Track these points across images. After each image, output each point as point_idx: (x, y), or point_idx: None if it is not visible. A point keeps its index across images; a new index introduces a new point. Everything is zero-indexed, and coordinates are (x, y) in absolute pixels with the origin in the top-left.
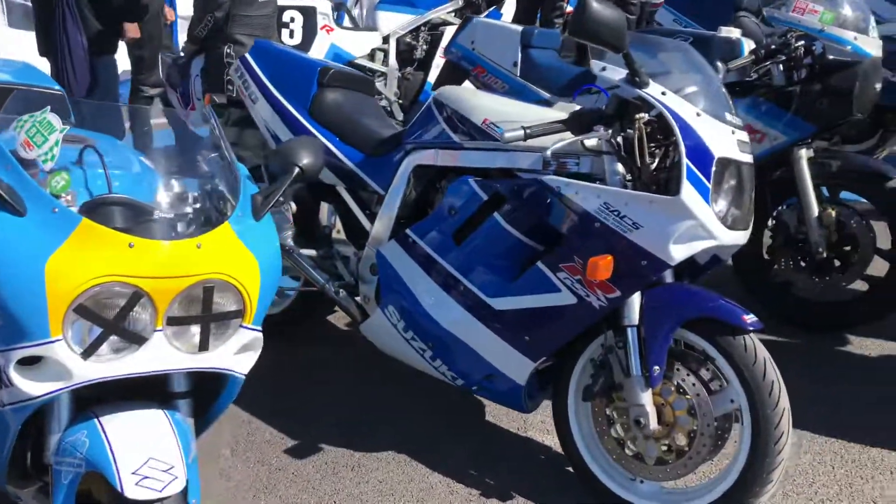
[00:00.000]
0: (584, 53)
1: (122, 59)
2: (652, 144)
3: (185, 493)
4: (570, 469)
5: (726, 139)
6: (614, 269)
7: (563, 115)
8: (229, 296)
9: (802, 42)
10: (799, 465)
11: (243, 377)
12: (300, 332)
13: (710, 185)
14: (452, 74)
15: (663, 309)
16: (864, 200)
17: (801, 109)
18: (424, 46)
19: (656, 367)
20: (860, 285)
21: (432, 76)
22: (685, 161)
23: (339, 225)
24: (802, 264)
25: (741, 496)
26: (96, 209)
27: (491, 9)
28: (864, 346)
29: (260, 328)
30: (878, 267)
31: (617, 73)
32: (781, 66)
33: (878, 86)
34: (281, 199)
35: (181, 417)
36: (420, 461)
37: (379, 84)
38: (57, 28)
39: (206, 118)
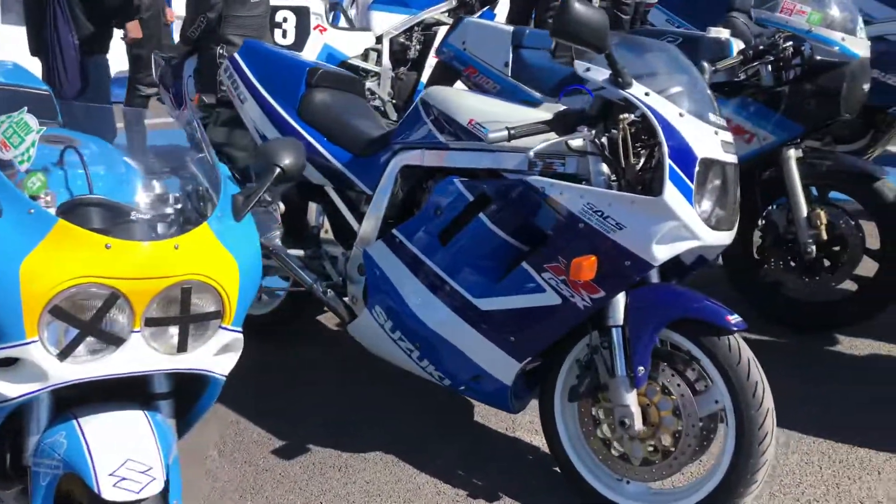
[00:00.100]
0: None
1: (118, 59)
2: (637, 145)
3: (165, 494)
4: (558, 469)
5: (709, 139)
6: (598, 270)
7: (548, 116)
8: (208, 297)
9: (791, 43)
10: (786, 465)
11: (224, 378)
12: (289, 332)
13: (692, 186)
14: (444, 74)
15: (648, 309)
16: (854, 200)
17: (789, 110)
18: (418, 46)
19: (641, 368)
20: (849, 285)
21: (426, 76)
22: (668, 161)
23: (327, 225)
24: (792, 264)
25: (726, 496)
26: (74, 210)
27: (484, 9)
28: (854, 346)
29: (240, 329)
30: (868, 267)
31: (601, 74)
32: (770, 67)
33: (866, 86)
34: (268, 199)
35: (162, 418)
36: (408, 462)
37: (372, 84)
38: (48, 28)
39: (189, 119)
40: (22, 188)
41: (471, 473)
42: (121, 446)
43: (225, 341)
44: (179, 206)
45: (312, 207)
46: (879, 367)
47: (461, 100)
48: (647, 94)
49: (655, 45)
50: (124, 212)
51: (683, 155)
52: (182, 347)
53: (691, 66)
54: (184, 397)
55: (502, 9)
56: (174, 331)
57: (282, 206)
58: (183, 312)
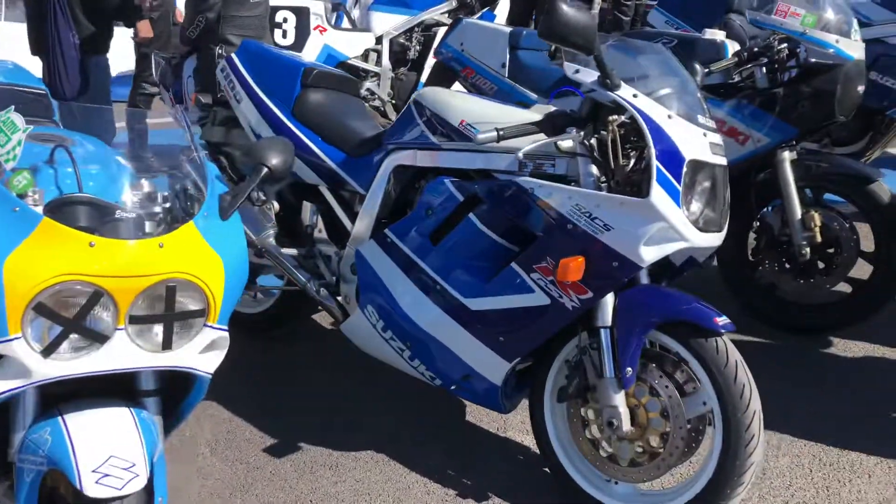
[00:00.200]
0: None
1: (122, 59)
2: (627, 146)
3: (150, 490)
4: (547, 470)
5: (698, 141)
6: (586, 271)
7: (539, 117)
8: (193, 295)
9: (785, 45)
10: (777, 468)
11: (209, 376)
12: (284, 330)
13: (680, 188)
14: (442, 75)
15: (636, 311)
16: (848, 203)
17: (784, 112)
18: (418, 47)
19: (629, 369)
20: (844, 287)
21: (425, 76)
22: (655, 163)
23: (321, 224)
24: (787, 266)
25: (713, 498)
26: (60, 208)
27: (484, 10)
28: (847, 348)
29: (226, 327)
30: (863, 269)
31: (590, 76)
32: (764, 69)
33: (861, 88)
34: (263, 198)
35: (147, 416)
36: (398, 461)
37: (372, 84)
38: (48, 27)
39: (177, 118)
40: (8, 186)
41: (461, 473)
42: (104, 443)
43: (210, 339)
44: (168, 205)
45: (307, 207)
46: (873, 370)
47: (453, 101)
48: (635, 95)
49: (646, 48)
50: (111, 210)
51: (671, 157)
52: (167, 345)
53: (682, 68)
54: (171, 395)
55: (502, 10)
56: (159, 329)
57: (276, 206)
58: (167, 310)
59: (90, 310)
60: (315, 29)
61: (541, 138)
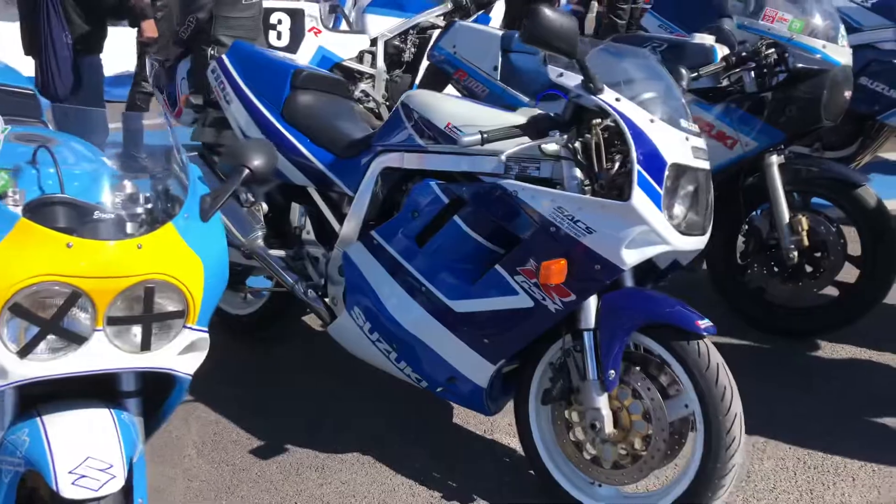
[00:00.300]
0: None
1: (117, 58)
2: (612, 150)
3: (129, 492)
4: (532, 472)
5: (680, 145)
6: (569, 273)
7: (524, 120)
8: (171, 296)
9: (773, 50)
10: (761, 471)
11: (189, 377)
12: (273, 332)
13: (661, 191)
14: (435, 78)
15: (619, 313)
16: (836, 207)
17: (772, 116)
18: (412, 49)
19: (612, 372)
20: (831, 291)
21: (420, 79)
22: (636, 167)
23: (309, 226)
24: (775, 270)
25: (695, 501)
26: (40, 209)
27: (480, 13)
28: (834, 351)
29: (206, 329)
30: (850, 273)
31: (573, 80)
32: (753, 74)
33: (848, 94)
34: (252, 199)
35: (128, 417)
36: (384, 463)
37: (367, 86)
38: (42, 27)
39: (160, 116)
40: None
41: (446, 475)
42: (82, 444)
43: (189, 340)
44: (150, 206)
45: (295, 208)
46: (859, 373)
47: (440, 103)
48: (617, 99)
49: (631, 52)
50: (91, 211)
51: (653, 160)
52: (145, 346)
53: (666, 73)
54: (153, 397)
55: (498, 13)
56: (137, 330)
57: (265, 207)
58: (146, 311)
59: (67, 310)
60: (310, 31)
61: (525, 141)
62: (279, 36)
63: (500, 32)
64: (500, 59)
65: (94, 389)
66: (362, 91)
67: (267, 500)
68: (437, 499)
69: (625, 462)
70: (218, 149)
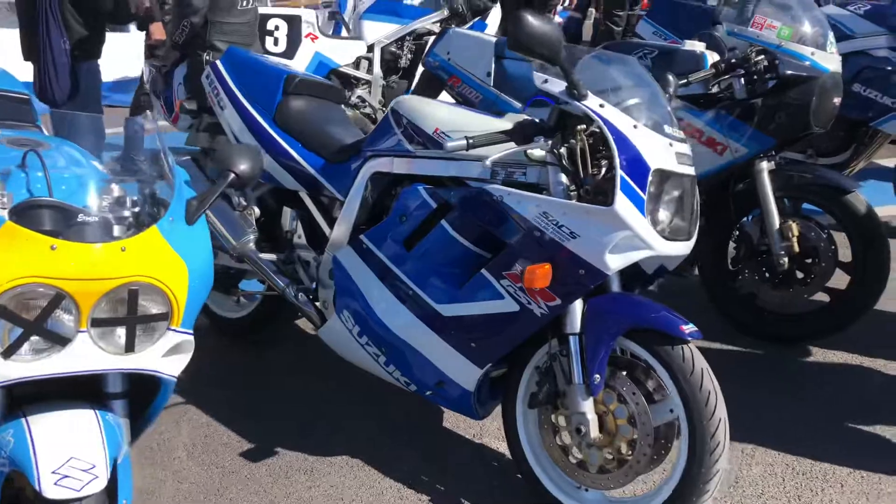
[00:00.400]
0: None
1: (118, 63)
2: (598, 155)
3: (112, 492)
4: (520, 476)
5: (664, 151)
6: (554, 278)
7: (510, 126)
8: (155, 298)
9: (763, 56)
10: (749, 477)
11: (174, 379)
12: (266, 335)
13: (644, 197)
14: (430, 84)
15: (604, 318)
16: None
17: (762, 123)
18: (409, 55)
19: (597, 376)
20: (822, 297)
21: (415, 85)
22: (619, 172)
23: (300, 230)
24: (766, 276)
25: None
26: (26, 212)
27: (476, 20)
28: (825, 357)
29: (190, 331)
30: (841, 279)
31: (557, 86)
32: (743, 80)
33: (837, 100)
34: (244, 203)
35: (113, 418)
36: (373, 466)
37: (363, 92)
38: (40, 32)
39: (150, 122)
40: None
41: (434, 479)
42: (65, 444)
43: (174, 343)
44: (137, 209)
45: (287, 212)
46: (849, 379)
47: (429, 109)
48: (601, 105)
49: (618, 59)
50: (77, 214)
51: (636, 166)
52: (129, 348)
53: (651, 79)
54: (139, 399)
55: (493, 19)
56: (122, 331)
57: (257, 211)
58: (130, 313)
59: (51, 312)
60: (306, 37)
61: (510, 147)
62: (276, 42)
63: (494, 39)
64: (493, 65)
65: (81, 391)
66: (359, 97)
67: (256, 502)
68: (426, 502)
69: (610, 466)
70: (210, 153)
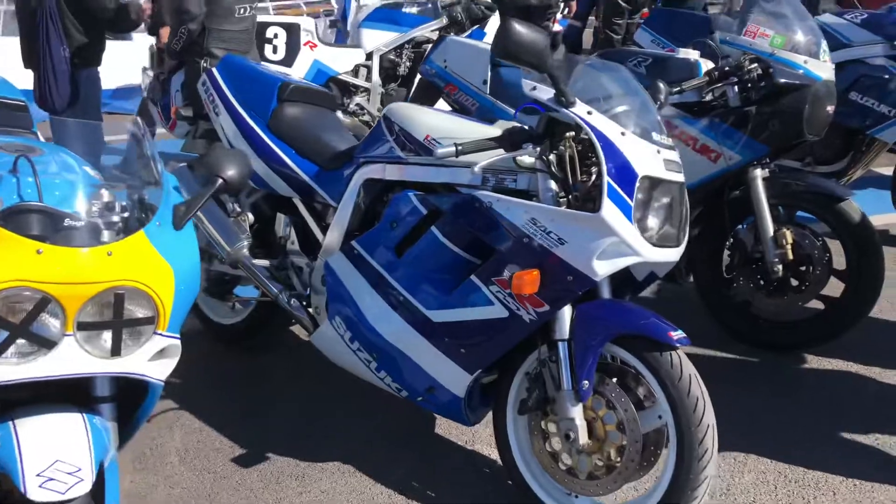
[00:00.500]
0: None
1: (119, 71)
2: (587, 162)
3: (99, 496)
4: (511, 482)
5: (652, 158)
6: (542, 284)
7: (500, 133)
8: (141, 302)
9: (756, 64)
10: (741, 484)
11: (161, 383)
12: (260, 340)
13: (632, 203)
14: (427, 92)
15: (592, 324)
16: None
17: (755, 130)
18: (408, 63)
19: (585, 382)
20: (817, 305)
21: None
22: (606, 179)
23: (294, 236)
24: (761, 283)
25: None
26: (14, 216)
27: (474, 28)
28: (819, 365)
29: (177, 335)
30: (837, 287)
31: (546, 93)
32: (736, 88)
33: (830, 108)
34: (238, 209)
35: (100, 421)
36: (365, 472)
37: (362, 99)
38: (40, 40)
39: (138, 129)
40: None
41: (426, 485)
42: (51, 447)
43: (160, 346)
44: (126, 214)
45: (280, 218)
46: (843, 388)
47: (420, 116)
48: (589, 112)
49: (608, 68)
50: (65, 219)
51: (623, 172)
52: (116, 351)
53: (641, 87)
54: (129, 403)
55: (492, 28)
56: (108, 335)
57: (251, 217)
58: (116, 317)
59: (37, 315)
60: (305, 45)
61: (499, 153)
62: (275, 50)
63: (490, 47)
64: (489, 73)
65: (70, 395)
66: (357, 104)
67: None
68: None
69: (600, 473)
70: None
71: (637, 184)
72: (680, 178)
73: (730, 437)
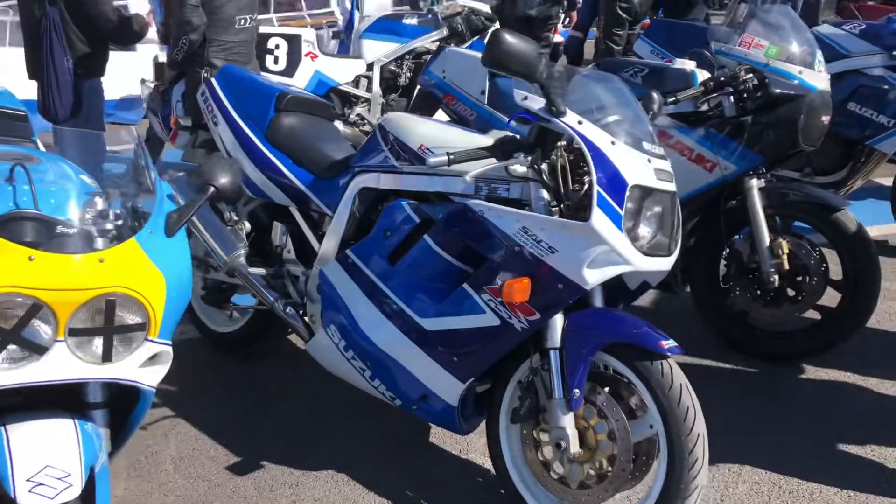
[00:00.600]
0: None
1: (123, 81)
2: (579, 171)
3: (89, 501)
4: (503, 492)
5: (642, 167)
6: (533, 292)
7: (492, 142)
8: (133, 309)
9: (751, 75)
10: (735, 495)
11: (152, 389)
12: (258, 348)
13: (622, 212)
14: (426, 102)
15: (584, 332)
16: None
17: (750, 140)
18: (408, 74)
19: (576, 391)
20: (813, 315)
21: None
22: (596, 188)
23: (290, 245)
24: (757, 293)
25: None
26: (8, 224)
27: (474, 39)
28: (816, 375)
29: (168, 342)
30: (833, 297)
31: (537, 103)
32: (732, 98)
33: (826, 119)
34: (235, 218)
35: (92, 427)
36: (358, 481)
37: (362, 110)
38: (44, 51)
39: (132, 138)
40: None
41: (419, 494)
42: (41, 453)
43: (151, 353)
44: (120, 222)
45: (277, 227)
46: (839, 398)
47: (415, 125)
48: (580, 122)
49: (601, 78)
50: (58, 226)
51: (613, 181)
52: (107, 357)
53: (632, 97)
54: (121, 410)
55: None
56: (99, 341)
57: (247, 226)
58: (107, 323)
59: (28, 321)
60: (306, 55)
61: (491, 162)
62: (276, 60)
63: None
64: (487, 83)
65: (63, 401)
66: (358, 114)
67: None
68: None
69: (591, 482)
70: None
71: (627, 193)
72: (672, 187)
73: (725, 447)
